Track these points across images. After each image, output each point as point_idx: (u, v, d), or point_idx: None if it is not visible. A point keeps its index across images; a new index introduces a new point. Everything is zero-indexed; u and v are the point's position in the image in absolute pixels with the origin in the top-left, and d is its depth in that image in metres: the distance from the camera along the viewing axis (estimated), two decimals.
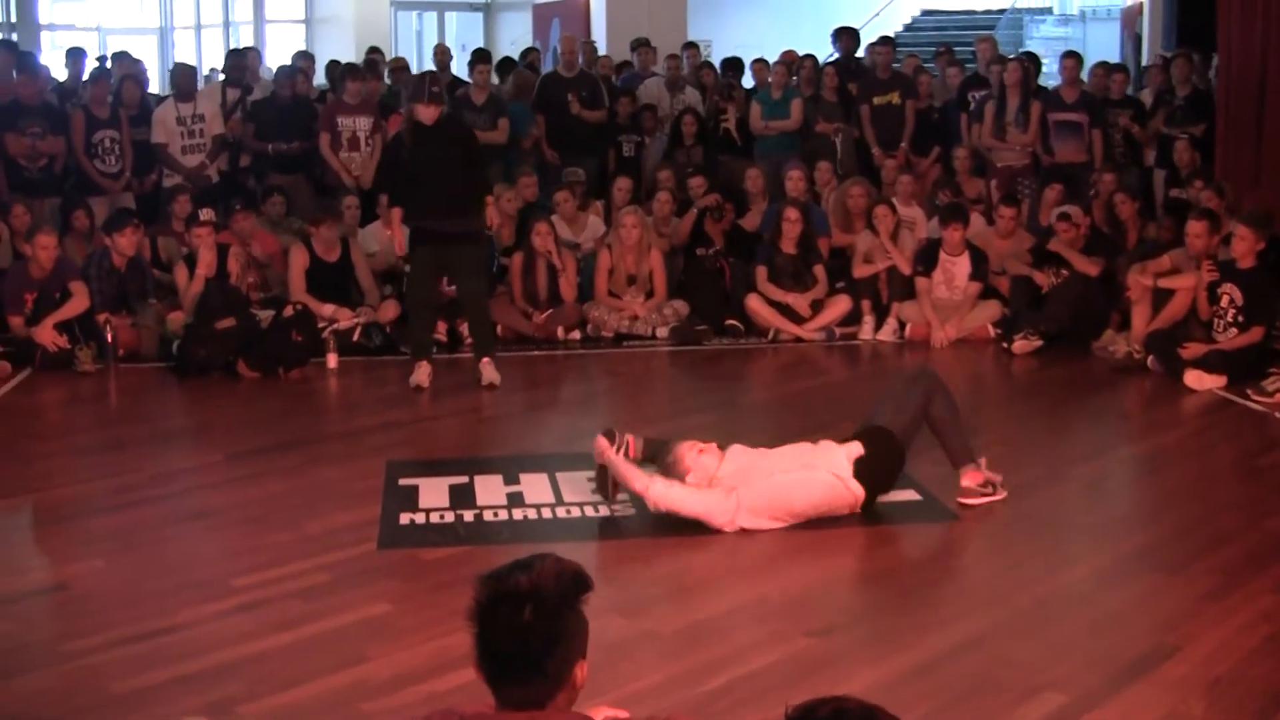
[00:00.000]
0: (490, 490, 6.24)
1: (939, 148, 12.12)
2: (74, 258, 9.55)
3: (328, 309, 9.31)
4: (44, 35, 18.82)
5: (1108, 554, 5.60)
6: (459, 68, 13.61)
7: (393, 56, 14.81)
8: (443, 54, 13.60)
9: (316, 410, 8.31)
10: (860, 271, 10.08)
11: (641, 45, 13.67)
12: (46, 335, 8.87)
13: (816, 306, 9.91)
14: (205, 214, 9.52)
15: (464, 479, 6.39)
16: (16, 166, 10.33)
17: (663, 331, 9.87)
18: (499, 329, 9.46)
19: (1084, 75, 12.21)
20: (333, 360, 8.92)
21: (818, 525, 5.74)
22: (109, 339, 8.92)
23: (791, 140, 12.26)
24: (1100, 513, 6.19)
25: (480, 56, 12.67)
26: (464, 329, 9.27)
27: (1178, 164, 11.04)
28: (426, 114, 8.02)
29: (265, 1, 21.37)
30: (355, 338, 9.30)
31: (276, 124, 11.41)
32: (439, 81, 8.42)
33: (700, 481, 5.72)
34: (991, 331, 9.73)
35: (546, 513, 5.96)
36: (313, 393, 8.59)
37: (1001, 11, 24.18)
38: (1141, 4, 16.32)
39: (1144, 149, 11.83)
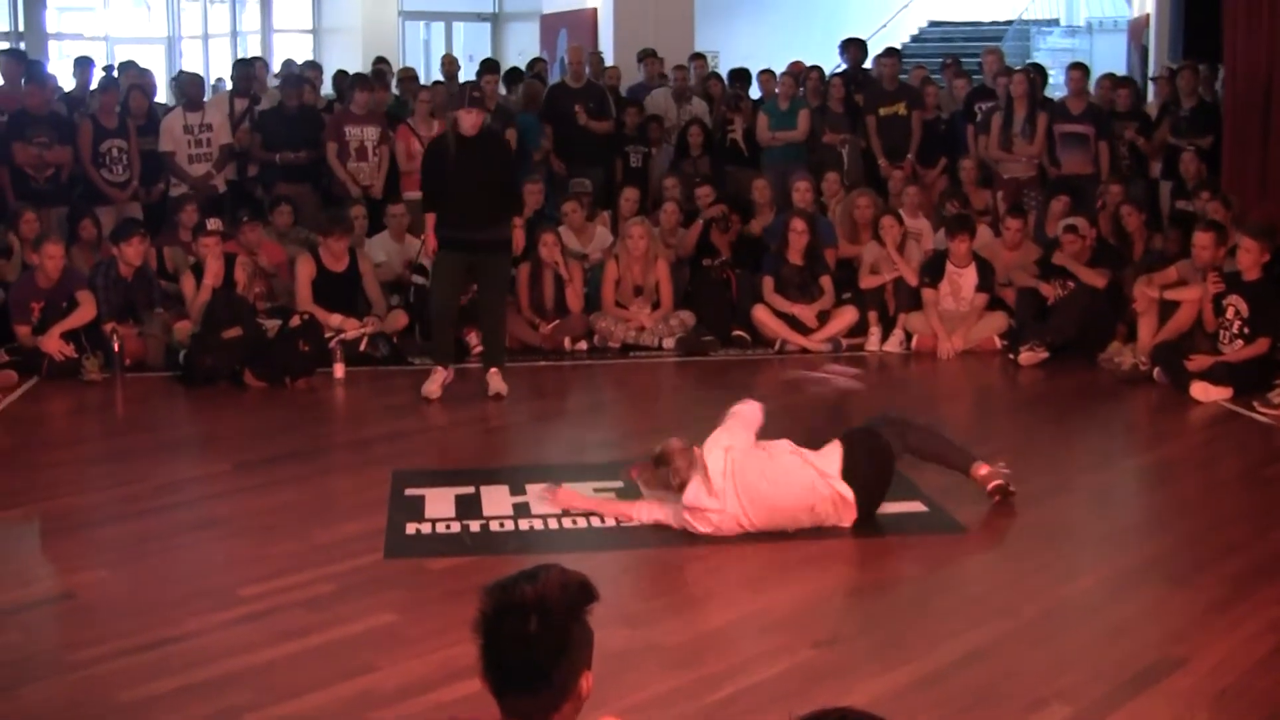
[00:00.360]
0: (496, 501, 6.24)
1: (945, 159, 12.12)
2: (81, 267, 9.56)
3: (335, 319, 9.31)
4: (51, 44, 18.83)
5: (1114, 565, 5.60)
6: (466, 78, 13.62)
7: (400, 67, 14.83)
8: (450, 64, 13.65)
9: (323, 420, 8.32)
10: (867, 282, 10.08)
11: (648, 56, 13.69)
12: (53, 344, 8.89)
13: (823, 317, 9.91)
14: (212, 223, 9.54)
15: (470, 489, 6.39)
16: (24, 176, 10.34)
17: (669, 342, 9.87)
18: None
19: (1090, 87, 12.22)
20: (339, 370, 8.93)
21: (822, 536, 5.75)
22: (115, 348, 8.92)
23: (798, 151, 12.27)
24: (1106, 524, 6.19)
25: (488, 67, 12.69)
26: (471, 339, 9.28)
27: (1184, 175, 11.04)
28: (468, 122, 8.08)
29: (273, 11, 21.42)
30: (362, 348, 9.30)
31: (284, 134, 11.43)
32: (480, 88, 8.44)
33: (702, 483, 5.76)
34: (998, 343, 9.72)
35: (552, 523, 5.97)
36: (319, 402, 8.60)
37: (1008, 23, 24.18)
38: (1148, 15, 16.33)
39: (1150, 161, 11.83)
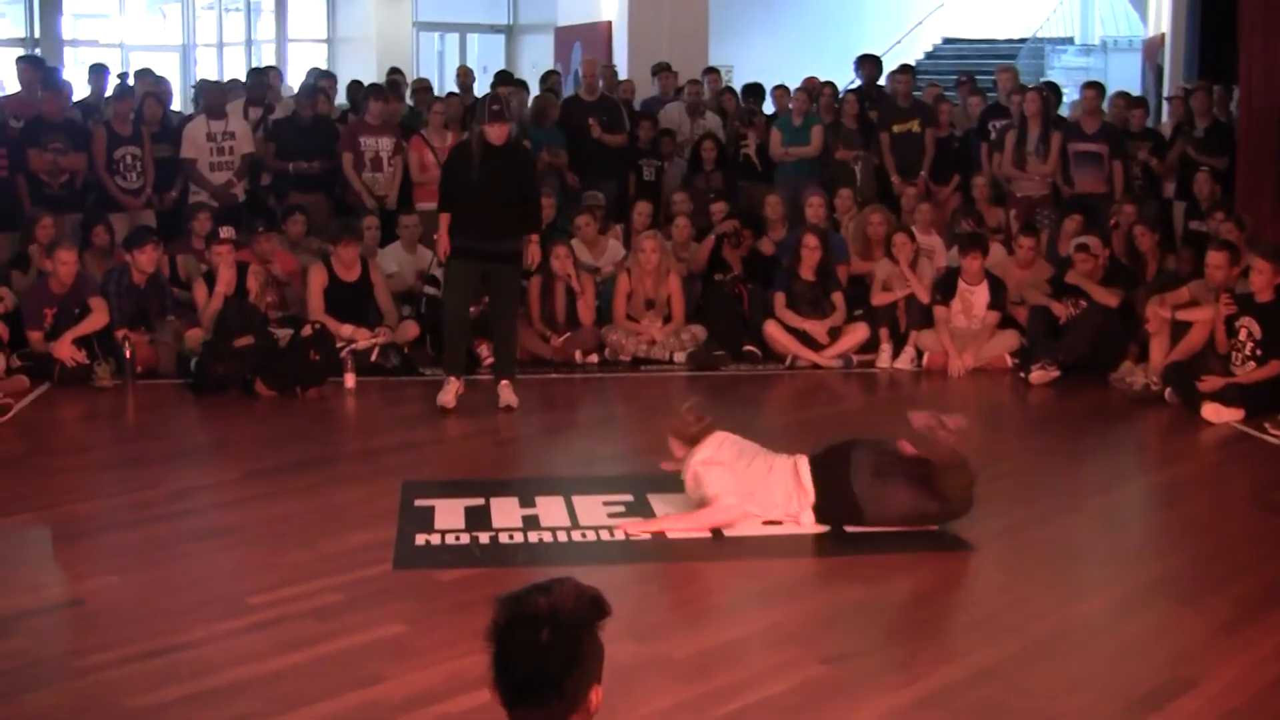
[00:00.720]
0: (506, 512, 6.24)
1: (958, 176, 12.12)
2: (94, 274, 9.59)
3: (346, 329, 9.32)
4: (67, 51, 18.88)
5: (1124, 585, 5.58)
6: (481, 89, 13.63)
7: (415, 77, 14.85)
8: (465, 75, 13.66)
9: (333, 430, 8.32)
10: (879, 299, 10.08)
11: (663, 70, 13.70)
12: (65, 350, 8.91)
13: (834, 333, 9.90)
14: (225, 232, 9.56)
15: (480, 501, 6.39)
16: (38, 182, 10.37)
17: (680, 356, 9.88)
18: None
19: (1104, 106, 12.22)
20: (350, 380, 8.94)
21: (830, 553, 5.76)
22: (127, 355, 8.95)
23: (811, 167, 12.27)
24: (1116, 544, 6.18)
25: (502, 78, 12.68)
26: (482, 350, 9.29)
27: (1198, 196, 11.03)
28: (496, 134, 8.11)
29: (288, 20, 21.47)
30: (373, 358, 9.32)
31: (297, 143, 11.44)
32: (499, 99, 8.48)
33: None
34: (1009, 361, 9.72)
35: (562, 536, 5.96)
36: (330, 412, 8.61)
37: (1023, 41, 24.21)
38: (1163, 35, 16.31)
39: (1163, 181, 11.82)
